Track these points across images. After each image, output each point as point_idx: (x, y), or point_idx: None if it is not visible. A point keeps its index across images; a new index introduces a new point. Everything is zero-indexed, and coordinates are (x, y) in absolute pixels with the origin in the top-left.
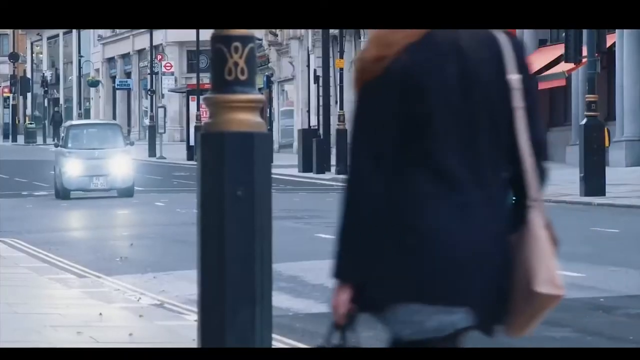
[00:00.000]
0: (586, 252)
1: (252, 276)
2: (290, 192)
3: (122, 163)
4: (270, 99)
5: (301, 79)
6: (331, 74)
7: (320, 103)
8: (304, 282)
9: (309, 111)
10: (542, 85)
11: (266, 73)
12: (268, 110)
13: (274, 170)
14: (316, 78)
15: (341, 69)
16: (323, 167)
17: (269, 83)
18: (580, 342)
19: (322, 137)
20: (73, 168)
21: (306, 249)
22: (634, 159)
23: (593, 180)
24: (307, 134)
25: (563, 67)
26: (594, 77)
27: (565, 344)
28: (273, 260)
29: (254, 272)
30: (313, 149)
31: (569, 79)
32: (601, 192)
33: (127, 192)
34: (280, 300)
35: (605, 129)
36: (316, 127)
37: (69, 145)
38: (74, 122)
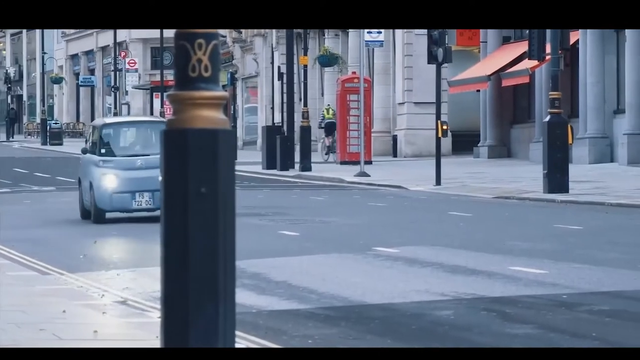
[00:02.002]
0: (549, 249)
1: (216, 273)
2: (254, 189)
3: None
4: (234, 96)
5: (265, 75)
6: (295, 71)
7: (284, 100)
8: (267, 279)
9: (273, 108)
10: (505, 83)
11: (230, 70)
12: (232, 107)
13: (237, 167)
14: (280, 75)
15: (305, 66)
16: (287, 164)
17: (233, 80)
18: (543, 339)
19: (286, 134)
20: (109, 182)
21: (270, 246)
22: (597, 156)
23: (556, 177)
24: (271, 131)
25: (526, 64)
26: (557, 74)
27: (528, 340)
28: (237, 257)
29: (217, 269)
30: (277, 146)
31: (532, 76)
32: (564, 189)
33: None
34: (244, 297)
35: (569, 126)
36: (280, 124)
37: (103, 151)
38: (107, 119)
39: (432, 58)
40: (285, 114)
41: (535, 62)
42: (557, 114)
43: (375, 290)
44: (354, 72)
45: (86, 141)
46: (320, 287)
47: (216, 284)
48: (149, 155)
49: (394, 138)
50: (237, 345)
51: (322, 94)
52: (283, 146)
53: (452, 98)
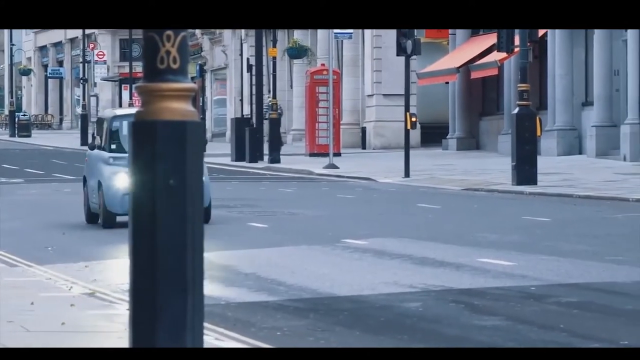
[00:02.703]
0: (517, 241)
1: (184, 265)
2: (223, 181)
3: None
4: (203, 88)
5: (234, 67)
6: (264, 62)
7: (253, 92)
8: (236, 271)
9: (242, 100)
10: (474, 75)
11: (199, 62)
12: (201, 99)
13: (206, 159)
14: (249, 67)
15: (274, 58)
16: (256, 156)
17: (201, 72)
18: (511, 331)
19: (255, 126)
20: (121, 181)
21: (239, 238)
22: (566, 148)
23: (525, 169)
24: (240, 123)
25: (495, 56)
26: (526, 66)
27: (496, 332)
28: (205, 249)
29: (185, 261)
30: (246, 138)
31: (501, 68)
32: (533, 181)
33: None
34: (213, 289)
35: (537, 118)
36: (249, 116)
37: (113, 146)
38: (117, 111)
39: (401, 50)
40: (254, 106)
41: (504, 55)
42: (526, 106)
43: (344, 282)
44: (322, 64)
45: (93, 136)
46: (289, 279)
47: (184, 276)
48: None
49: (363, 130)
50: (205, 337)
51: (291, 86)
52: (252, 138)
53: (421, 90)
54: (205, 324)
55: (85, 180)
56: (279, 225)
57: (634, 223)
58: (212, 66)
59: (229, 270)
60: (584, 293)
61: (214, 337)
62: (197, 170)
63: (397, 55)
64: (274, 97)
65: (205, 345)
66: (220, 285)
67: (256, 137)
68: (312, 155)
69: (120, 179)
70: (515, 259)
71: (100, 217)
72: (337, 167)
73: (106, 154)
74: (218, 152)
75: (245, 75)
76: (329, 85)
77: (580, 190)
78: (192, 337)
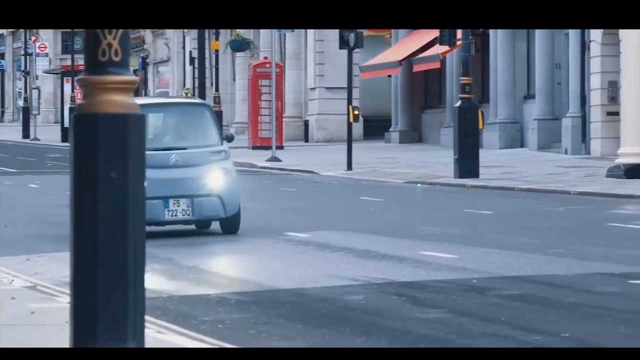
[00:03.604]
0: (459, 234)
1: (125, 258)
2: None
3: (219, 174)
4: (145, 81)
5: (177, 60)
6: (207, 55)
7: (196, 85)
8: (178, 264)
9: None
10: (417, 68)
11: (141, 54)
12: (143, 91)
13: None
14: (192, 60)
15: (217, 51)
16: None
17: (144, 64)
18: (453, 323)
19: None
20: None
21: (180, 230)
22: (507, 141)
23: (467, 162)
24: None
25: (438, 49)
26: (468, 59)
27: (438, 325)
28: (147, 242)
29: (127, 254)
30: None
31: (443, 61)
32: (475, 174)
33: (229, 225)
34: (155, 282)
35: (479, 111)
36: None
37: None
38: (136, 100)
39: (343, 43)
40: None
41: (446, 48)
42: (468, 99)
43: (286, 275)
44: (265, 57)
45: None
46: (231, 272)
47: (126, 269)
48: (185, 149)
49: (306, 123)
50: (146, 330)
51: (234, 79)
52: None
53: (363, 83)
54: (147, 317)
55: None
56: None
57: (575, 216)
58: (154, 59)
59: (171, 263)
60: (526, 286)
61: (155, 330)
62: (138, 163)
63: (340, 48)
64: (217, 90)
65: (147, 338)
66: (162, 278)
67: None
68: (254, 148)
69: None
70: (457, 252)
71: None
72: (279, 160)
73: None
74: None
75: (188, 68)
76: (271, 79)
77: (522, 183)
78: (134, 330)
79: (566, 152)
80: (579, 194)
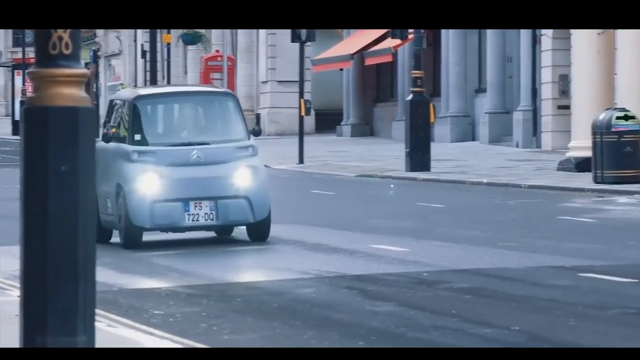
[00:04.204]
0: (411, 227)
1: (75, 252)
2: None
3: (246, 173)
4: (96, 74)
5: (128, 53)
6: (158, 49)
7: (148, 78)
8: (129, 257)
9: (135, 86)
10: (368, 62)
11: (93, 48)
12: (94, 85)
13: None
14: (143, 53)
15: (168, 44)
16: None
17: (95, 58)
18: (403, 316)
19: None
20: (150, 185)
21: None
22: (459, 134)
23: (418, 156)
24: None
25: (389, 43)
26: (420, 53)
27: (388, 318)
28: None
29: (77, 247)
30: None
31: (395, 55)
32: (426, 167)
33: (258, 231)
34: (105, 276)
35: (431, 104)
36: None
37: (137, 137)
38: (141, 90)
39: (295, 37)
40: None
41: (398, 41)
42: (420, 93)
43: (237, 268)
44: (217, 51)
45: (105, 124)
46: (182, 266)
47: (76, 263)
48: (208, 144)
49: (258, 116)
50: (97, 324)
51: (186, 72)
52: None
53: (315, 77)
54: (97, 311)
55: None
56: None
57: (526, 209)
58: (106, 52)
59: (122, 257)
60: (476, 279)
61: (106, 324)
62: (89, 157)
63: (292, 41)
64: (168, 83)
65: (97, 332)
66: (112, 272)
67: None
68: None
69: (149, 182)
70: (409, 245)
71: (119, 235)
72: None
73: (128, 148)
74: None
75: (140, 61)
76: (223, 72)
77: (473, 176)
78: (84, 323)
79: (517, 146)
80: (529, 187)
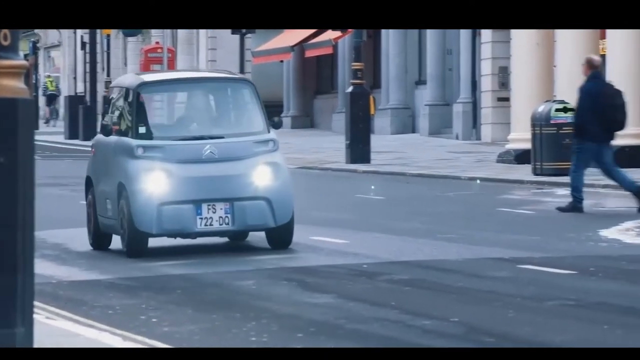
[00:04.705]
0: (350, 219)
1: (14, 243)
2: (55, 159)
3: (266, 171)
4: (36, 65)
5: (68, 45)
6: (98, 40)
7: (87, 70)
8: (68, 250)
9: (75, 78)
10: (309, 53)
11: (32, 39)
12: (34, 76)
13: (39, 137)
14: (83, 44)
15: (108, 36)
16: (89, 134)
17: (34, 49)
18: (343, 308)
19: (89, 104)
20: (157, 184)
21: (71, 216)
22: (399, 126)
23: (358, 148)
24: (74, 101)
25: (330, 35)
26: (360, 45)
27: (328, 309)
28: (37, 228)
29: (15, 239)
30: (79, 116)
31: (335, 47)
32: (366, 159)
33: (279, 237)
34: (44, 268)
35: (371, 96)
36: (83, 94)
37: (142, 130)
38: (146, 76)
39: (235, 29)
40: (88, 84)
41: (338, 33)
42: (360, 85)
43: (176, 260)
44: (157, 42)
45: (104, 115)
46: (121, 258)
47: (14, 255)
48: (222, 137)
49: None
50: (35, 316)
51: (126, 64)
52: (86, 116)
53: (255, 68)
54: (36, 303)
55: (89, 184)
56: None
57: (466, 201)
58: (45, 43)
59: (61, 249)
60: (416, 270)
61: (44, 317)
62: (28, 148)
63: (232, 33)
64: (108, 75)
65: (36, 324)
66: (51, 264)
67: (90, 115)
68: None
69: (156, 180)
70: (349, 237)
71: (121, 241)
72: None
73: (132, 142)
74: (51, 130)
75: (80, 52)
76: (163, 64)
77: (413, 168)
78: (22, 316)
79: (457, 138)
80: (469, 179)
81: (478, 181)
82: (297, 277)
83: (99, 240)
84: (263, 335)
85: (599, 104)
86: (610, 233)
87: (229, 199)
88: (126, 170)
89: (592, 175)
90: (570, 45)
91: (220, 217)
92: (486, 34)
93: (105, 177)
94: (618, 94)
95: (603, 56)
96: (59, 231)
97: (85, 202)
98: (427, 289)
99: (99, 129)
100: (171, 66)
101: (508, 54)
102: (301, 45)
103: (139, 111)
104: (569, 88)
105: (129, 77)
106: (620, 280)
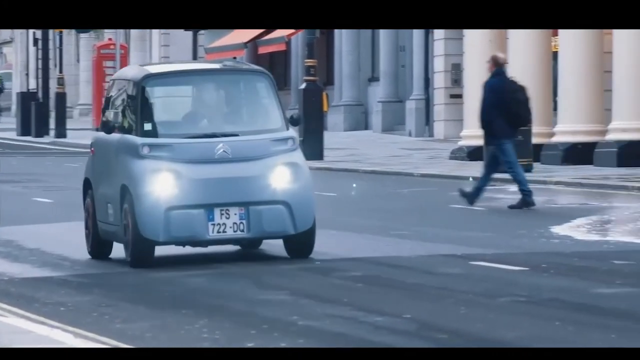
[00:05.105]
0: None
1: None
2: (7, 155)
3: (285, 172)
4: None
5: (20, 41)
6: (50, 37)
7: (40, 66)
8: (20, 246)
9: (27, 74)
10: (262, 50)
11: None
12: None
13: None
14: (35, 41)
15: (60, 32)
16: (42, 131)
17: None
18: (296, 305)
19: (41, 100)
20: (164, 186)
21: (23, 212)
22: (352, 123)
23: (311, 145)
24: (26, 97)
25: (283, 31)
26: (313, 42)
27: (281, 306)
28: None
29: None
30: (32, 112)
31: (288, 43)
32: (319, 156)
33: (300, 245)
34: None
35: (324, 93)
36: (35, 90)
37: (148, 127)
38: (152, 68)
39: None
40: (40, 81)
41: (291, 30)
42: (313, 82)
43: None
44: (110, 39)
45: (104, 111)
46: (73, 254)
47: None
48: (236, 135)
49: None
50: None
51: (78, 60)
52: (38, 113)
53: None
54: None
55: (87, 187)
56: (65, 200)
57: (419, 198)
58: None
59: (13, 246)
60: (369, 267)
61: None
62: None
63: (185, 30)
64: (61, 71)
65: None
66: (3, 261)
67: (42, 111)
68: (99, 129)
69: (163, 183)
70: None
71: (124, 250)
72: None
73: (136, 140)
74: (3, 127)
75: (32, 49)
76: (116, 60)
77: (366, 165)
78: None
79: (410, 135)
80: (422, 176)
81: (470, 179)
82: (249, 274)
83: (99, 248)
84: (215, 332)
85: (503, 99)
86: (562, 230)
87: (244, 203)
88: (130, 171)
89: (545, 172)
90: (523, 42)
91: (235, 223)
92: (439, 31)
93: (106, 179)
94: (521, 89)
95: (555, 53)
96: (11, 228)
97: (86, 209)
98: (380, 286)
99: (98, 127)
100: (124, 63)
101: (461, 51)
102: (254, 41)
103: (143, 106)
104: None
105: (132, 69)
106: (572, 276)
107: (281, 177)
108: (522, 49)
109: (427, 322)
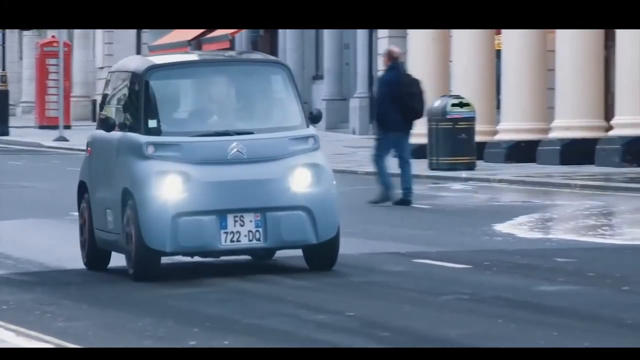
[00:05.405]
0: None
1: None
2: None
3: (306, 174)
4: None
5: None
6: None
7: None
8: None
9: None
10: (206, 48)
11: None
12: None
13: None
14: None
15: (3, 30)
16: None
17: None
18: (239, 303)
19: None
20: (171, 190)
21: None
22: None
23: None
24: None
25: (227, 29)
26: (257, 39)
27: (224, 305)
28: None
29: None
30: None
31: (232, 41)
32: None
33: (322, 255)
34: None
35: None
36: None
37: (153, 124)
38: (155, 59)
39: None
40: None
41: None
42: None
43: (72, 255)
44: (53, 36)
45: (102, 106)
46: (16, 252)
47: None
48: (251, 133)
49: (94, 103)
50: None
51: (21, 58)
52: None
53: None
54: None
55: (82, 190)
56: (7, 198)
57: (363, 196)
58: None
59: None
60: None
61: None
62: None
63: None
64: (4, 69)
65: None
66: None
67: None
68: (42, 127)
69: (170, 186)
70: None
71: (126, 261)
72: (67, 140)
73: (140, 139)
74: None
75: None
76: (59, 57)
77: None
78: None
79: (354, 132)
80: (366, 174)
81: (464, 174)
82: (193, 272)
83: (95, 258)
84: (159, 330)
85: (397, 92)
86: (504, 227)
87: (261, 209)
88: (133, 173)
89: (489, 170)
90: (466, 40)
91: (250, 231)
92: (383, 30)
93: (105, 182)
94: (415, 82)
95: (499, 51)
96: None
97: (82, 215)
98: (323, 284)
99: (97, 123)
100: (67, 61)
101: (404, 49)
102: (198, 39)
103: (147, 101)
104: (465, 83)
105: (134, 60)
106: (514, 274)
107: (301, 179)
108: (465, 48)
109: (370, 319)
